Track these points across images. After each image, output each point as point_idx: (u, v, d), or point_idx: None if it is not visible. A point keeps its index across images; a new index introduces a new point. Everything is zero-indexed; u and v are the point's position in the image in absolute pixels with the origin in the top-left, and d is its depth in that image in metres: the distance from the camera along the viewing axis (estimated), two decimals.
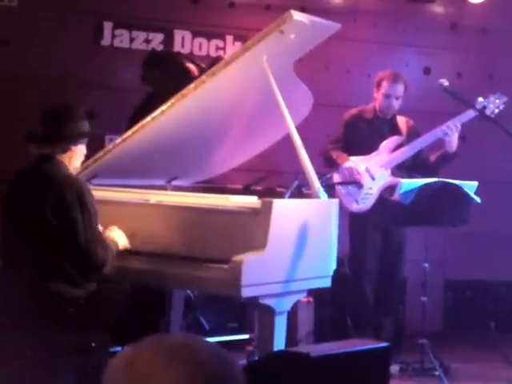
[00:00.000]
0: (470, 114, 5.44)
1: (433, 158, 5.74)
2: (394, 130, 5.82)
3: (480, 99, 5.38)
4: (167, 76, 6.02)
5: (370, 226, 5.71)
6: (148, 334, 1.56)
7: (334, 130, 5.94)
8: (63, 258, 3.83)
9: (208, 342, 1.53)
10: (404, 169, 5.74)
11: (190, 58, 6.44)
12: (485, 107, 5.36)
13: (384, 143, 5.69)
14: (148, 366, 1.45)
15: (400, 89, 5.74)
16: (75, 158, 4.03)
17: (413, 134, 5.75)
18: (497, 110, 5.40)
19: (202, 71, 6.03)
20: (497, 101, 5.43)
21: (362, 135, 5.79)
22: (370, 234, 5.74)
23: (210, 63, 6.12)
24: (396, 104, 5.77)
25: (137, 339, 1.52)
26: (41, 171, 3.93)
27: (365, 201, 5.62)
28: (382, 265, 5.79)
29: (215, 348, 1.50)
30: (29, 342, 3.71)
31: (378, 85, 5.77)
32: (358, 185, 5.55)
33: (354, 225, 5.73)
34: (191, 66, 6.15)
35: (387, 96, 5.74)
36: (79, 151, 4.04)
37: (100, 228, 3.98)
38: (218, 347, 1.51)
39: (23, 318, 3.73)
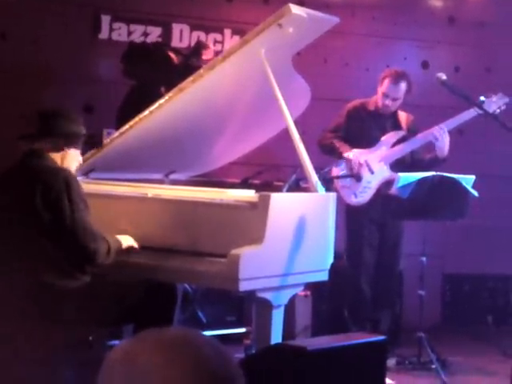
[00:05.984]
0: (469, 114, 5.43)
1: (426, 158, 5.73)
2: (396, 124, 5.80)
3: (482, 98, 5.36)
4: (151, 68, 6.02)
5: (367, 219, 5.71)
6: (160, 324, 1.54)
7: (334, 119, 5.90)
8: (56, 250, 3.81)
9: (207, 336, 1.52)
10: (403, 165, 5.72)
11: (170, 46, 6.44)
12: (483, 102, 5.34)
13: (384, 138, 5.68)
14: (148, 362, 1.42)
15: (399, 90, 5.67)
16: (68, 161, 3.97)
17: (412, 130, 5.74)
18: (498, 110, 5.38)
19: (183, 59, 6.08)
20: (499, 101, 5.41)
21: (363, 127, 5.76)
22: (366, 227, 5.73)
23: (192, 50, 6.17)
24: (393, 105, 5.72)
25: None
26: (28, 164, 3.90)
27: (363, 194, 5.62)
28: (379, 258, 5.79)
29: (215, 344, 1.48)
30: (25, 336, 3.69)
31: (381, 81, 5.73)
32: (357, 178, 5.54)
33: (351, 219, 5.73)
34: (172, 55, 6.15)
35: (385, 95, 5.71)
36: (72, 155, 3.99)
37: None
38: (217, 342, 1.49)
39: (17, 313, 3.71)
